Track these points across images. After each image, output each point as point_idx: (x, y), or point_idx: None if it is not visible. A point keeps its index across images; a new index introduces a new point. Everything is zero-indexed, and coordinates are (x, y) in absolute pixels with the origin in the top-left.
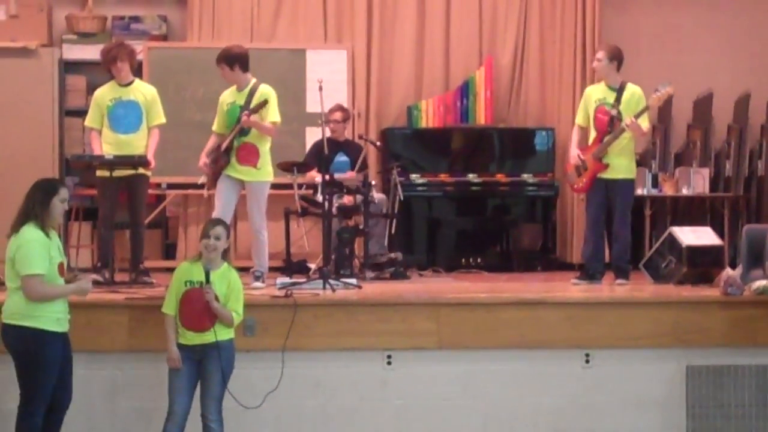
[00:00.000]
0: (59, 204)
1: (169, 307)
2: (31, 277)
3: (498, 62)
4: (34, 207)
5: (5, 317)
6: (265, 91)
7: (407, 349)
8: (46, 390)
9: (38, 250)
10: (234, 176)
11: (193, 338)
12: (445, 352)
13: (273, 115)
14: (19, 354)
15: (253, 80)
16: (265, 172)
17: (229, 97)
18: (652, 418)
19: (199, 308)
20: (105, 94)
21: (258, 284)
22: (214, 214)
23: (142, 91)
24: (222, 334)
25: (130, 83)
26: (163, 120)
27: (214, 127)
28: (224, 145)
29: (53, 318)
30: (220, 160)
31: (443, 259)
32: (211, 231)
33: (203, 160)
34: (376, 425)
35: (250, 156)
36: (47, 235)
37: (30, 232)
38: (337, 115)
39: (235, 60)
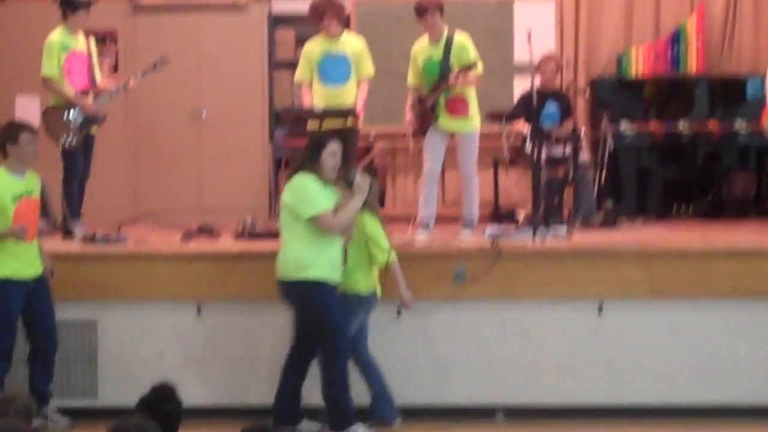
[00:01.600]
0: (329, 158)
1: None
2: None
3: (710, 9)
4: (307, 160)
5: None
6: (462, 41)
7: (618, 298)
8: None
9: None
10: (445, 129)
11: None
12: (657, 301)
13: (369, 68)
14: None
15: (446, 29)
16: (476, 121)
17: (424, 51)
18: None
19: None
20: (314, 47)
21: (468, 231)
22: (426, 168)
23: (351, 43)
24: None
25: (339, 36)
26: (371, 72)
27: (410, 81)
28: (430, 102)
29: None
30: (427, 117)
31: (653, 207)
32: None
33: (408, 115)
34: (586, 375)
35: (461, 107)
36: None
37: (305, 176)
38: (551, 65)
39: (441, 6)
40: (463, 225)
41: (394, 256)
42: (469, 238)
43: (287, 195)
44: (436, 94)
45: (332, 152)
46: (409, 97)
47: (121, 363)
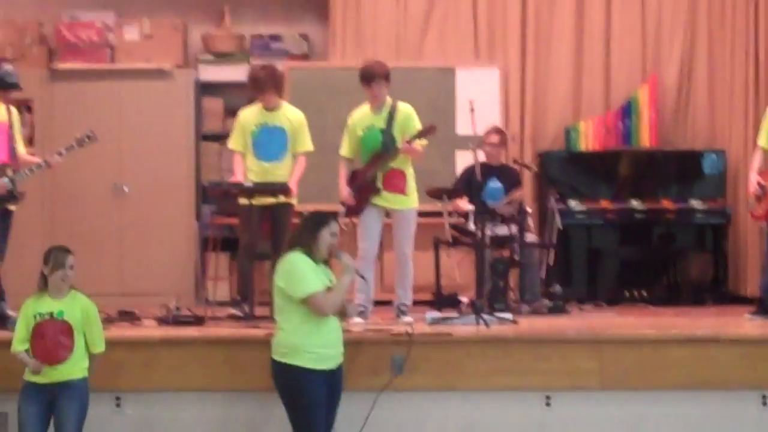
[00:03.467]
0: (328, 236)
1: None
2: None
3: (663, 80)
4: (302, 236)
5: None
6: (407, 110)
7: (567, 389)
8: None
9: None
10: (381, 204)
11: (47, 374)
12: (609, 393)
13: (307, 143)
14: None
15: (389, 99)
16: (413, 198)
17: (364, 119)
18: None
19: (52, 340)
20: (250, 117)
21: (406, 318)
22: (361, 248)
23: (289, 116)
24: (76, 371)
25: (277, 107)
26: (310, 147)
27: (345, 152)
28: (370, 175)
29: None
30: (368, 189)
31: (605, 292)
32: (67, 261)
33: (345, 190)
34: None
35: (398, 182)
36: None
37: (297, 256)
38: (494, 138)
39: (389, 75)
40: (398, 311)
41: None
42: (405, 325)
43: (279, 278)
44: (378, 165)
45: (333, 232)
46: (342, 170)
47: None
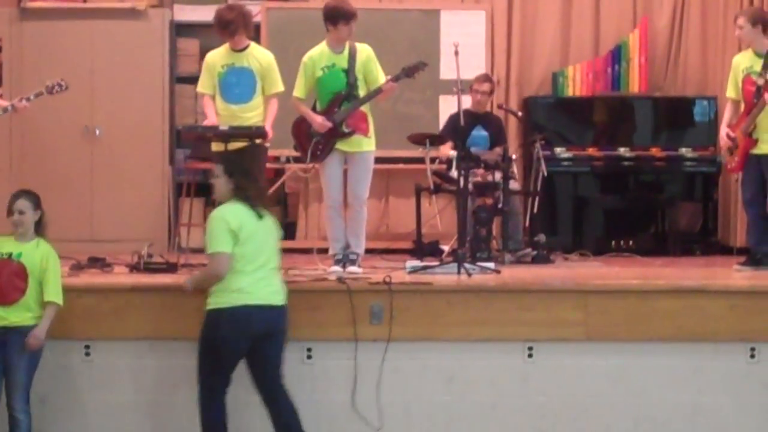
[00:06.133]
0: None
1: None
2: None
3: (654, 24)
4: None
5: None
6: (368, 51)
7: (551, 340)
8: None
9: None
10: (342, 149)
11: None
12: (593, 344)
13: (277, 84)
14: None
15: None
16: (373, 140)
17: (323, 59)
18: None
19: (6, 280)
20: (217, 59)
21: (354, 269)
22: (328, 196)
23: (258, 56)
24: (27, 318)
25: (245, 48)
26: (280, 88)
27: (299, 93)
28: (339, 118)
29: None
30: (334, 133)
31: (591, 242)
32: (15, 206)
33: (319, 117)
34: (515, 424)
35: (361, 123)
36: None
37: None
38: (485, 86)
39: (355, 16)
40: (347, 261)
41: None
42: (357, 275)
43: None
44: (341, 106)
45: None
46: (306, 112)
47: None
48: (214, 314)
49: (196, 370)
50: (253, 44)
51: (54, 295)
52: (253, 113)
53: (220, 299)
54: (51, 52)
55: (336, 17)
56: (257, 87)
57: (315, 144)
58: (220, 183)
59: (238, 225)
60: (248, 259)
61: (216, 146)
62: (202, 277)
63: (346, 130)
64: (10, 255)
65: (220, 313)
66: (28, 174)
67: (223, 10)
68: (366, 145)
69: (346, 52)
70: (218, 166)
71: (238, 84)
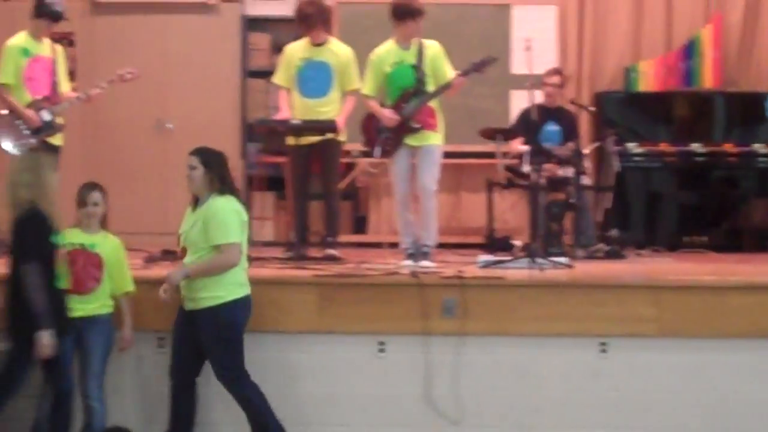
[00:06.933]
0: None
1: None
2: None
3: (727, 19)
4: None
5: None
6: (436, 47)
7: (624, 336)
8: None
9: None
10: (410, 144)
11: (75, 309)
12: (666, 340)
13: (355, 81)
14: None
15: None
16: (441, 135)
17: (391, 55)
18: None
19: (83, 269)
20: (296, 52)
21: (426, 263)
22: (398, 191)
23: (336, 51)
24: (102, 307)
25: (324, 43)
26: (357, 85)
27: (369, 90)
28: (407, 113)
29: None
30: (404, 129)
31: (663, 237)
32: (89, 198)
33: (387, 112)
34: (587, 419)
35: (429, 119)
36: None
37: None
38: (555, 79)
39: (423, 13)
40: (420, 254)
41: None
42: (430, 269)
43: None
44: (411, 102)
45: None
46: (375, 107)
47: None
48: (229, 305)
49: (218, 365)
50: (332, 39)
51: (130, 284)
52: (328, 108)
53: (230, 292)
54: (123, 47)
55: (403, 14)
56: (334, 82)
57: (384, 140)
58: (197, 175)
59: (244, 218)
60: (242, 251)
61: (290, 140)
62: (208, 266)
63: (414, 125)
64: (83, 245)
65: (235, 304)
66: (100, 167)
67: (304, 3)
68: (433, 138)
69: (414, 48)
70: (194, 157)
71: (314, 78)
